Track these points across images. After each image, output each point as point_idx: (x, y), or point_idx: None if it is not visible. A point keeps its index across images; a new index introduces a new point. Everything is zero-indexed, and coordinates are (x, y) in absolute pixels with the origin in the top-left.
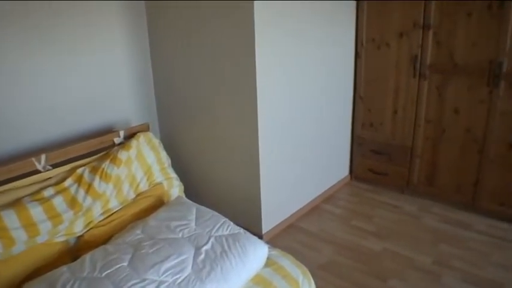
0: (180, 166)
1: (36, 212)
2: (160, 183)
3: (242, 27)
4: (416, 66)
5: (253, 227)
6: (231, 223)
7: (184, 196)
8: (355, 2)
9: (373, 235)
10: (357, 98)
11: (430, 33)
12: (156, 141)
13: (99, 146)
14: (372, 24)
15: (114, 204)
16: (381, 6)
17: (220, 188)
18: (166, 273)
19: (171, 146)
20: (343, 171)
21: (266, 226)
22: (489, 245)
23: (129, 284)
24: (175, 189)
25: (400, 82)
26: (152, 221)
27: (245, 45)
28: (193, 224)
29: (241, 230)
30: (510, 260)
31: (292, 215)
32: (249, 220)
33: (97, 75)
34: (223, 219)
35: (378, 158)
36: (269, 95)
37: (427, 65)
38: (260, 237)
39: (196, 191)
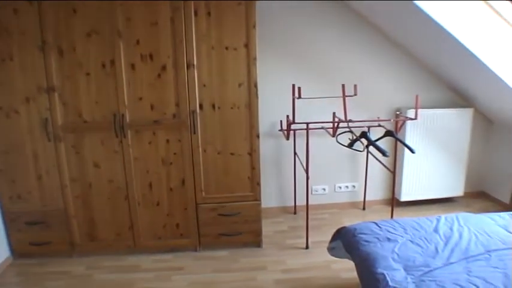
0: None
1: None
2: None
3: None
4: (48, 129)
5: None
6: None
7: None
8: None
9: None
10: None
11: (56, 95)
12: None
13: None
14: None
15: None
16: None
17: None
18: None
19: None
20: (3, 253)
21: None
22: (155, 280)
23: None
24: None
25: (37, 147)
26: None
27: None
28: None
29: None
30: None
31: None
32: None
33: None
34: None
35: (35, 229)
36: None
37: (59, 126)
38: None
39: None
